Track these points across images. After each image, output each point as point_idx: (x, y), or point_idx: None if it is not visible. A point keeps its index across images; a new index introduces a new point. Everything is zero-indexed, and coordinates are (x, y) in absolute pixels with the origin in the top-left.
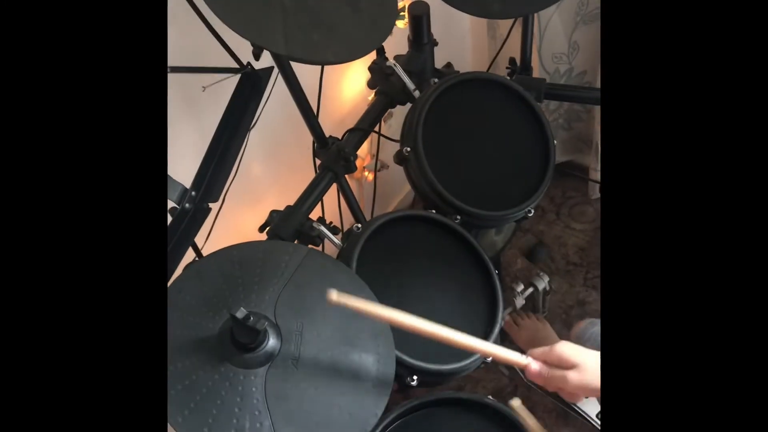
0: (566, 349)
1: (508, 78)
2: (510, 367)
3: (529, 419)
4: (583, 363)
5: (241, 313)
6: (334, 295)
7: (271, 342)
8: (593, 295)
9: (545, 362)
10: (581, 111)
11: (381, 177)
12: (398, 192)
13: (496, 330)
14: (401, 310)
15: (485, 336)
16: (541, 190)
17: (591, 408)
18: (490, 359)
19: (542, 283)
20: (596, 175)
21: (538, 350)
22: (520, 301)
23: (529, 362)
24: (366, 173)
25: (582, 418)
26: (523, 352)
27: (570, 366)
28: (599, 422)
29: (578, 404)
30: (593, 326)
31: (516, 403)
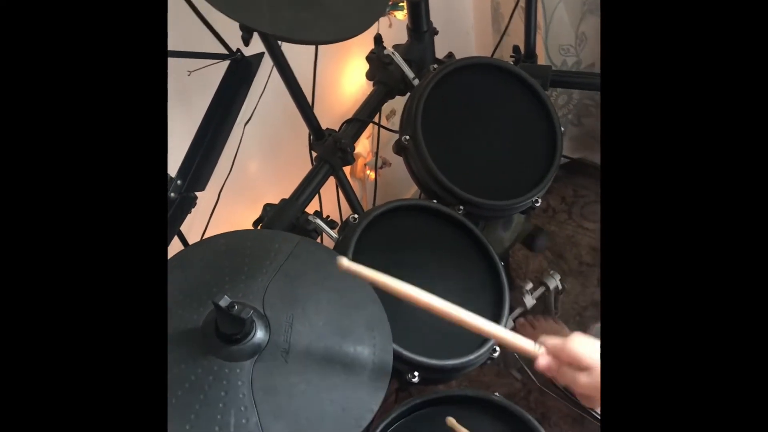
0: (581, 347)
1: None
2: (522, 371)
3: None
4: (596, 366)
5: (224, 302)
6: (345, 262)
7: (259, 333)
8: None
9: (557, 357)
10: (591, 105)
11: (384, 176)
12: (403, 192)
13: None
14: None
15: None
16: (548, 178)
17: None
18: (496, 354)
19: (553, 282)
20: None
21: (551, 342)
22: (530, 301)
23: (540, 355)
24: (368, 171)
25: (598, 422)
26: None
27: (582, 367)
28: None
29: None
30: None
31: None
